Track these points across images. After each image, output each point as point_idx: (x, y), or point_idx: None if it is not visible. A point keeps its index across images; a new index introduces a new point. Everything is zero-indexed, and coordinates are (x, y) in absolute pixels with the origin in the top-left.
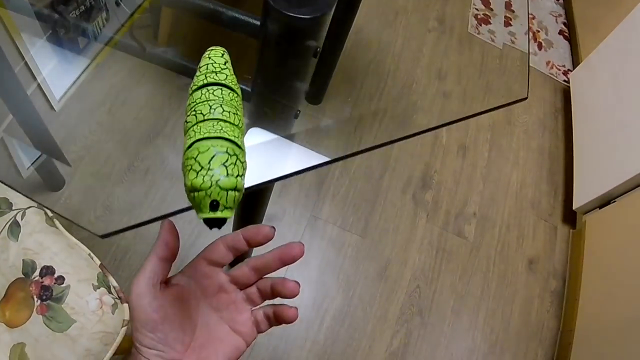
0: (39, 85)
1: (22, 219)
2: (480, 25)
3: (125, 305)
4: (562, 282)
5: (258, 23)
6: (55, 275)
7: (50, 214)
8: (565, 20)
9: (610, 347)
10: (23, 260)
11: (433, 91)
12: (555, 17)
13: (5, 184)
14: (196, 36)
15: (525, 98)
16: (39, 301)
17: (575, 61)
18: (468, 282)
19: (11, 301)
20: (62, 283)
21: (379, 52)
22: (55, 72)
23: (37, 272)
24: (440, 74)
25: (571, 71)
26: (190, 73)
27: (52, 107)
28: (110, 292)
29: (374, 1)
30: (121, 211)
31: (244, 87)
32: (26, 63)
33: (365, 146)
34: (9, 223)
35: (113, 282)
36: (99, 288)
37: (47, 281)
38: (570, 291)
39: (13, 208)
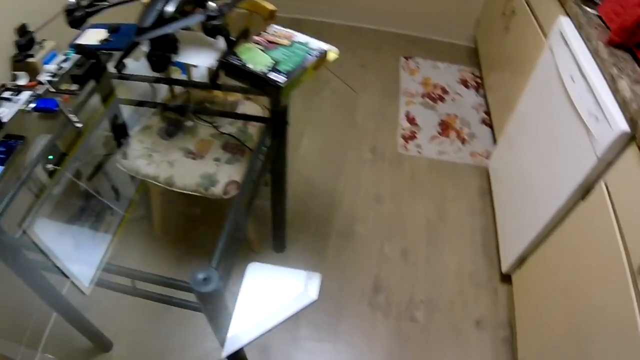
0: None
1: None
2: (408, 142)
3: None
4: (510, 329)
5: None
6: None
7: None
8: (486, 109)
9: None
10: None
11: (373, 213)
12: (477, 108)
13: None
14: (186, 220)
15: None
16: None
17: (496, 142)
18: (427, 354)
19: None
20: None
21: (325, 195)
22: (81, 267)
23: None
24: (378, 197)
25: None
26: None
27: (83, 292)
28: None
29: (318, 150)
30: None
31: None
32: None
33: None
34: None
35: None
36: None
37: None
38: (514, 337)
39: None
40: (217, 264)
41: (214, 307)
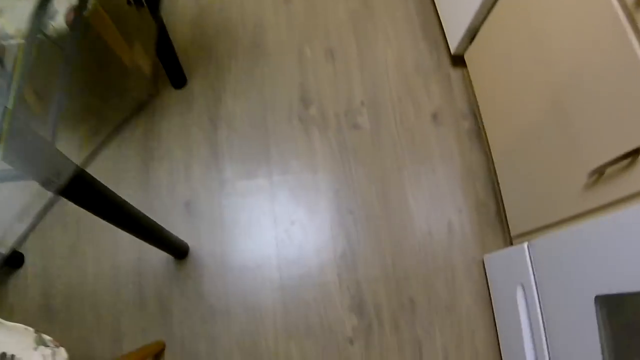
0: None
1: None
2: None
3: (61, 348)
4: (474, 118)
5: None
6: (6, 355)
7: None
8: None
9: (520, 154)
10: None
11: (283, 16)
12: None
13: None
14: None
15: None
16: None
17: None
18: (382, 164)
19: None
20: (13, 358)
21: (221, 9)
22: None
23: None
24: None
25: None
26: None
27: None
28: (47, 345)
29: None
30: None
31: None
32: None
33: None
34: None
35: (47, 337)
36: (38, 347)
37: None
38: (484, 121)
39: None
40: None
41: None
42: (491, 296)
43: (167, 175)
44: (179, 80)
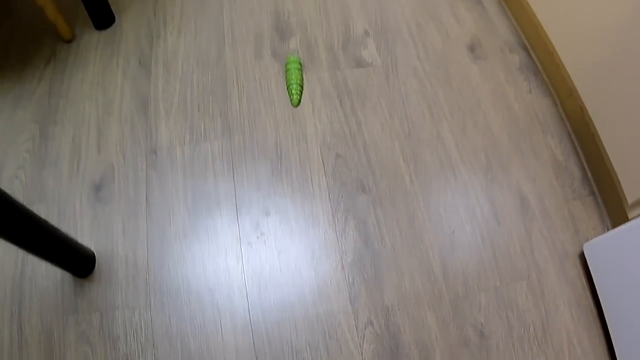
0: None
1: None
2: None
3: None
4: (524, 50)
5: None
6: None
7: None
8: None
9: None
10: None
11: None
12: None
13: None
14: None
15: None
16: None
17: None
18: (403, 110)
19: None
20: None
21: None
22: None
23: None
24: None
25: None
26: None
27: None
28: None
29: None
30: None
31: None
32: None
33: None
34: None
35: None
36: None
37: None
38: (541, 53)
39: None
40: None
41: None
42: (601, 303)
43: (72, 146)
44: (103, 18)
